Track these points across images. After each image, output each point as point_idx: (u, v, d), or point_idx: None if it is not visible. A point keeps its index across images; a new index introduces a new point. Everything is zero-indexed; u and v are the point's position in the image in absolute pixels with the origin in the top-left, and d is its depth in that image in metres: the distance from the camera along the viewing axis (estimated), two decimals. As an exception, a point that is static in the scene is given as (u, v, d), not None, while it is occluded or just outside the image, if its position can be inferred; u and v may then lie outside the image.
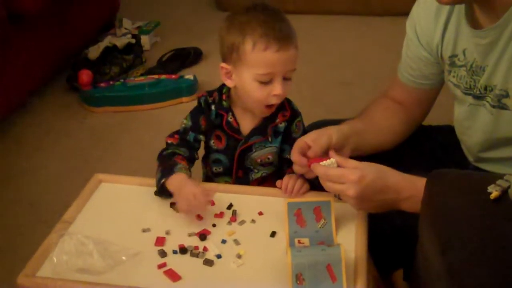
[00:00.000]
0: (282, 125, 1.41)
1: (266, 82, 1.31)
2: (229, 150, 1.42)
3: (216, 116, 1.40)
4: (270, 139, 1.41)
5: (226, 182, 1.46)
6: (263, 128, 1.40)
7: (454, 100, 1.45)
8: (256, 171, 1.44)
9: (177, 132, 1.42)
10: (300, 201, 1.27)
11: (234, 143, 1.41)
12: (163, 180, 1.30)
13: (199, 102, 1.41)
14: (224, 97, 1.40)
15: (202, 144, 1.45)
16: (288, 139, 1.42)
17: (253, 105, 1.36)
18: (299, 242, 1.20)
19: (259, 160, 1.42)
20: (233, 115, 1.40)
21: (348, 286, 1.08)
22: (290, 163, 1.38)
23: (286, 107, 1.41)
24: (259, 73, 1.30)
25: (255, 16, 1.31)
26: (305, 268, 1.08)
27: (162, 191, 1.31)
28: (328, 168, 1.23)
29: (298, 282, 1.08)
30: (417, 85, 1.50)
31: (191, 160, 1.40)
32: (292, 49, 1.31)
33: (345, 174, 1.21)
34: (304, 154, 1.29)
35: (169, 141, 1.41)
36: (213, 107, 1.40)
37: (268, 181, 1.45)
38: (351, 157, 1.30)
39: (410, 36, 1.46)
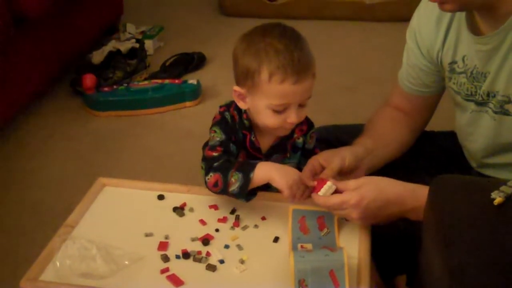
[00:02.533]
0: (300, 140, 1.38)
1: (280, 110, 1.27)
2: None
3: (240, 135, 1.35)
4: (288, 155, 1.38)
5: None
6: (282, 145, 1.37)
7: (455, 106, 1.45)
8: (274, 188, 1.39)
9: (213, 145, 1.31)
10: (304, 209, 1.27)
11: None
12: (251, 175, 1.23)
13: (224, 117, 1.33)
14: (245, 116, 1.34)
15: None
16: (302, 150, 1.40)
17: (266, 128, 1.33)
18: (301, 247, 1.20)
19: None
20: (254, 134, 1.35)
21: (351, 292, 1.08)
22: None
23: (303, 121, 1.37)
24: (274, 103, 1.26)
25: (272, 44, 1.23)
26: (308, 274, 1.08)
27: (244, 192, 1.25)
28: (327, 198, 1.22)
29: None
30: (418, 93, 1.50)
31: None
32: (309, 80, 1.26)
33: (344, 201, 1.20)
34: (317, 173, 1.28)
35: (215, 154, 1.29)
36: (236, 125, 1.34)
37: None
38: None
39: (410, 45, 1.46)
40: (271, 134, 1.36)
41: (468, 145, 1.46)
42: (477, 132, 1.39)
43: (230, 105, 1.35)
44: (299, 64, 1.23)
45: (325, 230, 1.24)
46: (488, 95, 1.31)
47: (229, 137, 1.31)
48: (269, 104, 1.26)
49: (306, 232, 1.23)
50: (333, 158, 1.31)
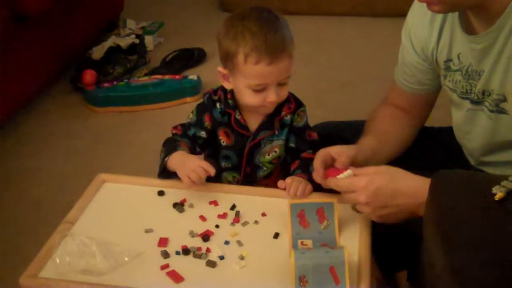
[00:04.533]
0: (288, 118, 1.43)
1: (260, 90, 1.33)
2: (238, 146, 1.44)
3: (223, 114, 1.42)
4: (277, 132, 1.42)
5: (234, 177, 1.47)
6: (270, 123, 1.42)
7: (451, 105, 1.44)
8: (264, 168, 1.45)
9: (182, 124, 1.46)
10: (303, 202, 1.27)
11: (243, 139, 1.42)
12: (166, 159, 1.34)
13: (203, 99, 1.45)
14: (229, 96, 1.41)
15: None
16: (291, 128, 1.43)
17: (249, 107, 1.39)
18: (302, 243, 1.20)
19: (267, 155, 1.44)
20: (240, 112, 1.42)
21: (351, 288, 1.08)
22: (294, 153, 1.42)
23: (290, 99, 1.43)
24: (252, 84, 1.33)
25: (248, 27, 1.31)
26: (309, 270, 1.08)
27: (165, 172, 1.35)
28: (338, 180, 1.24)
29: (301, 284, 1.07)
30: (414, 90, 1.50)
31: (191, 151, 1.42)
32: (284, 60, 1.32)
33: (353, 182, 1.22)
34: (327, 165, 1.29)
35: (174, 132, 1.45)
36: (218, 105, 1.42)
37: (274, 175, 1.47)
38: None
39: (405, 44, 1.46)
40: (258, 113, 1.41)
41: (465, 143, 1.45)
42: (474, 131, 1.38)
43: (219, 88, 1.43)
44: (272, 45, 1.29)
45: (325, 222, 1.23)
46: (483, 93, 1.30)
47: (199, 119, 1.42)
48: (248, 84, 1.33)
49: (306, 226, 1.23)
50: (347, 149, 1.31)
